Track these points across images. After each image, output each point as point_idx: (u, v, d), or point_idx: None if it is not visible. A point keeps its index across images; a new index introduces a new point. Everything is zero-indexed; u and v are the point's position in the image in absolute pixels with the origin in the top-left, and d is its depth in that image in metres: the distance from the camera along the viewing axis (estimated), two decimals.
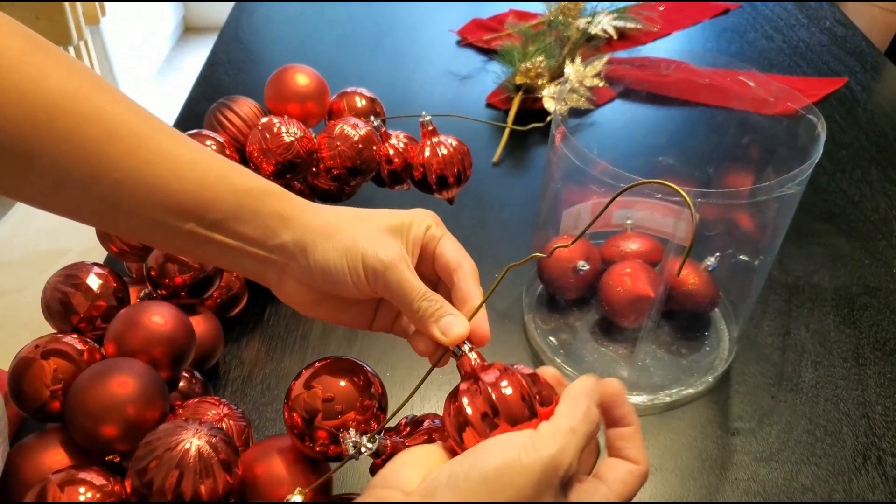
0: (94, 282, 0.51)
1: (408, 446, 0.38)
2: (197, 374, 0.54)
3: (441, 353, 0.39)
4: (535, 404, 0.34)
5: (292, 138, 0.61)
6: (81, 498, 0.39)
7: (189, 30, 3.05)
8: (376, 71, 1.05)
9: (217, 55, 1.08)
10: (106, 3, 2.10)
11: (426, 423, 0.41)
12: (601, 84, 0.85)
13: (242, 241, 0.39)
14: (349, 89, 0.71)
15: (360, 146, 0.63)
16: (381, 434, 0.38)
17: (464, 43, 1.12)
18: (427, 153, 0.65)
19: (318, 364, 0.41)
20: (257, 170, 0.62)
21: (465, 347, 0.38)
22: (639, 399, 0.59)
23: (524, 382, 0.34)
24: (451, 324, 0.38)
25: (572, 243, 0.39)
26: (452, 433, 0.34)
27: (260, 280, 0.41)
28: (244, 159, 0.65)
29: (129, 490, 0.38)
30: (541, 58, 0.92)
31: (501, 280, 0.39)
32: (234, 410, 0.47)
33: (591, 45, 1.04)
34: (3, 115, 0.33)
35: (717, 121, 0.70)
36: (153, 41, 2.73)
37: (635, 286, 0.59)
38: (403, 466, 0.33)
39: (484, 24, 1.15)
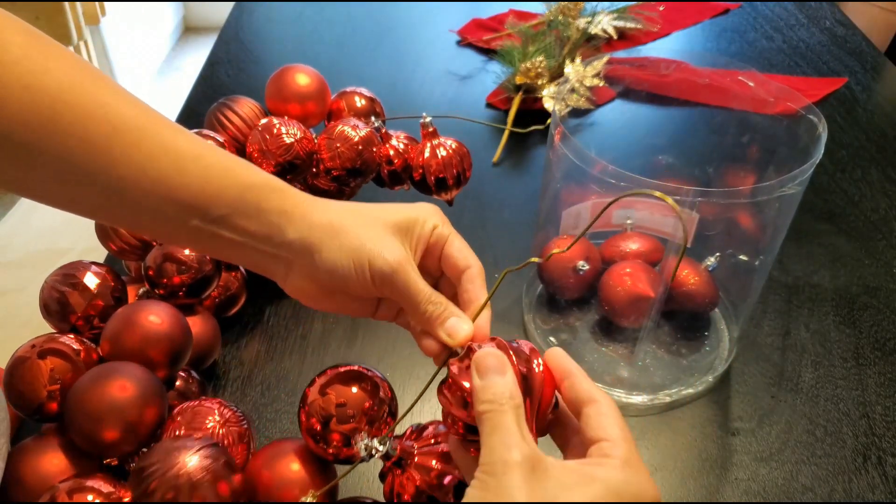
0: (91, 281, 0.51)
1: (417, 449, 0.39)
2: (194, 373, 0.54)
3: (446, 355, 0.39)
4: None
5: (292, 139, 0.61)
6: None
7: (189, 30, 3.05)
8: (376, 71, 1.05)
9: (217, 55, 1.08)
10: (106, 3, 2.10)
11: (430, 429, 0.42)
12: (601, 84, 0.85)
13: (247, 237, 0.39)
14: (349, 89, 0.71)
15: (360, 147, 0.63)
16: (392, 437, 0.40)
17: (464, 43, 1.12)
18: (427, 154, 0.65)
19: (330, 372, 0.42)
20: None
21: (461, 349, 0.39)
22: (639, 399, 0.59)
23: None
24: (457, 326, 0.39)
25: (567, 249, 0.39)
26: (459, 413, 0.35)
27: (266, 274, 0.41)
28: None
29: None
30: (541, 58, 0.92)
31: (501, 281, 0.39)
32: (234, 413, 0.47)
33: (591, 45, 1.04)
34: (6, 110, 0.33)
35: (717, 121, 0.70)
36: (153, 41, 2.73)
37: (635, 286, 0.59)
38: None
39: (484, 24, 1.15)
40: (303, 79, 0.68)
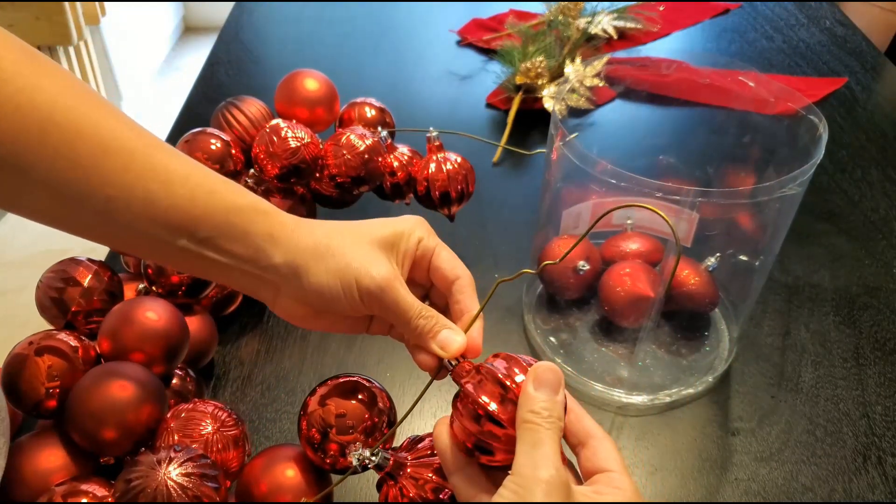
0: (86, 277, 0.51)
1: (411, 461, 0.39)
2: (191, 372, 0.54)
3: (440, 368, 0.40)
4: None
5: (299, 143, 0.61)
6: None
7: (189, 30, 3.05)
8: (376, 71, 1.05)
9: (217, 55, 1.08)
10: (106, 3, 2.10)
11: (427, 441, 0.42)
12: (601, 84, 0.85)
13: (234, 259, 0.39)
14: (359, 99, 0.71)
15: (366, 157, 0.63)
16: (385, 449, 0.40)
17: (464, 43, 1.12)
18: (432, 168, 0.65)
19: (331, 382, 0.43)
20: (262, 172, 0.62)
21: (454, 360, 0.39)
22: (639, 399, 0.59)
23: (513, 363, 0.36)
24: (449, 339, 0.39)
25: (560, 261, 0.40)
26: (471, 427, 0.35)
27: (255, 296, 0.41)
28: (249, 160, 0.65)
29: None
30: (541, 58, 0.92)
31: (494, 292, 0.40)
32: (229, 415, 0.46)
33: (591, 45, 1.04)
34: None
35: (718, 121, 0.70)
36: (153, 41, 2.73)
37: (635, 286, 0.59)
38: None
39: (484, 24, 1.15)
40: (312, 84, 0.68)
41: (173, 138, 0.77)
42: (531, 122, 0.92)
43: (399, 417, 0.44)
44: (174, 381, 0.52)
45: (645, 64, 0.71)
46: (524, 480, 0.31)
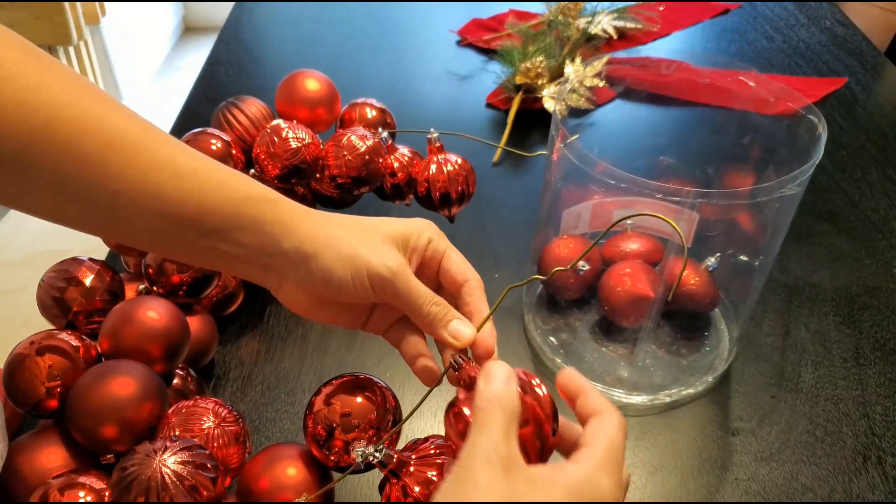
0: (87, 277, 0.51)
1: (414, 459, 0.39)
2: (192, 371, 0.54)
3: (441, 376, 0.40)
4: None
5: (299, 144, 0.61)
6: (81, 501, 0.39)
7: (189, 30, 3.05)
8: (376, 71, 1.05)
9: (217, 55, 1.08)
10: (106, 3, 2.10)
11: (430, 441, 0.42)
12: (601, 84, 0.85)
13: (243, 249, 0.39)
14: (360, 100, 0.71)
15: (367, 157, 0.63)
16: (388, 445, 0.40)
17: (464, 43, 1.12)
18: (433, 170, 0.65)
19: (336, 381, 0.43)
20: (262, 172, 0.62)
21: (461, 360, 0.39)
22: (639, 399, 0.59)
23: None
24: (460, 328, 0.40)
25: (570, 268, 0.40)
26: (456, 441, 0.35)
27: (260, 283, 0.41)
28: (250, 160, 0.65)
29: None
30: (541, 58, 0.92)
31: (504, 297, 0.40)
32: (230, 412, 0.47)
33: (591, 45, 1.04)
34: (1, 126, 0.32)
35: (718, 121, 0.70)
36: (153, 41, 2.73)
37: (635, 286, 0.59)
38: None
39: (484, 24, 1.15)
40: (313, 84, 0.68)
41: None
42: (531, 122, 0.92)
43: (404, 414, 0.44)
44: (175, 380, 0.52)
45: (645, 64, 0.71)
46: (467, 461, 0.31)
